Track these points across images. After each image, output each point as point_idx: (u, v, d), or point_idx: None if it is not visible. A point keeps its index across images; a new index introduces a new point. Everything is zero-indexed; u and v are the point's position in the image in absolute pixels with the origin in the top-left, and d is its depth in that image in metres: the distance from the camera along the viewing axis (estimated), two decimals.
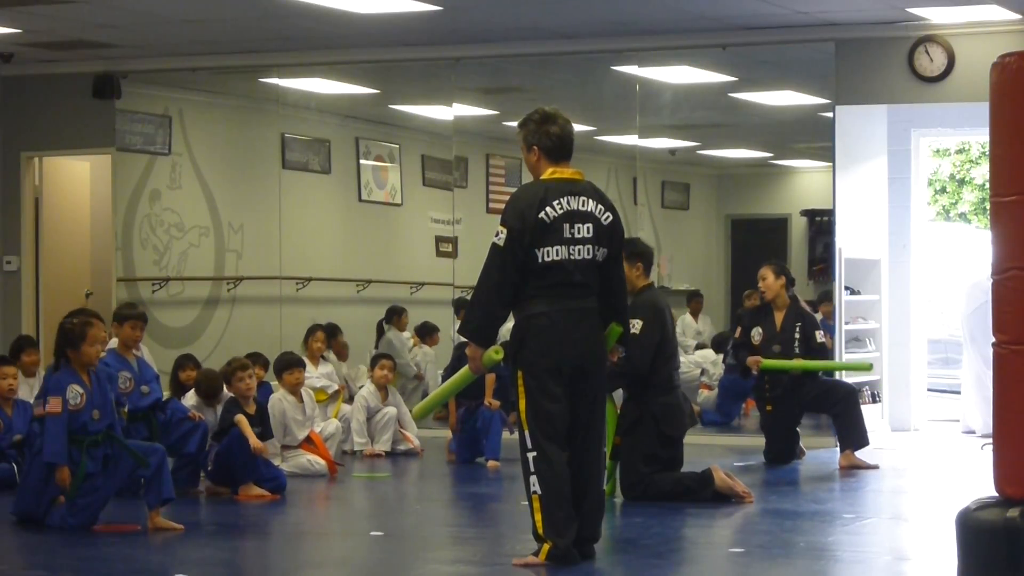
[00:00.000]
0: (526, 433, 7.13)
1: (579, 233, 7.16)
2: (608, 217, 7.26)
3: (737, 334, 11.54)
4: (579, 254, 7.15)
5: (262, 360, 11.41)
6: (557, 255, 7.11)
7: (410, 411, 12.46)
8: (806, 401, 11.28)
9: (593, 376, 7.24)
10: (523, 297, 7.16)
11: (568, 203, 7.17)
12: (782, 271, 11.47)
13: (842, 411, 11.12)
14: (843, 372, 12.20)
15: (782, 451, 11.33)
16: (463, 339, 7.73)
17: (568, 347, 7.13)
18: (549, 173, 7.26)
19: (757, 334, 11.33)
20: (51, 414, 8.27)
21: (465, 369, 7.64)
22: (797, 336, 11.24)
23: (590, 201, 7.23)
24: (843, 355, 12.84)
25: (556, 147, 7.27)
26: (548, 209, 7.12)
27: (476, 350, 7.26)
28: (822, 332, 11.36)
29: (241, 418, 9.76)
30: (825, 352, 11.41)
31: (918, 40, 12.46)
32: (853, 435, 11.07)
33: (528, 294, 7.15)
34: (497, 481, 10.76)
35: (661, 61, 13.67)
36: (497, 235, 7.14)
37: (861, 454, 11.06)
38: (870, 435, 11.31)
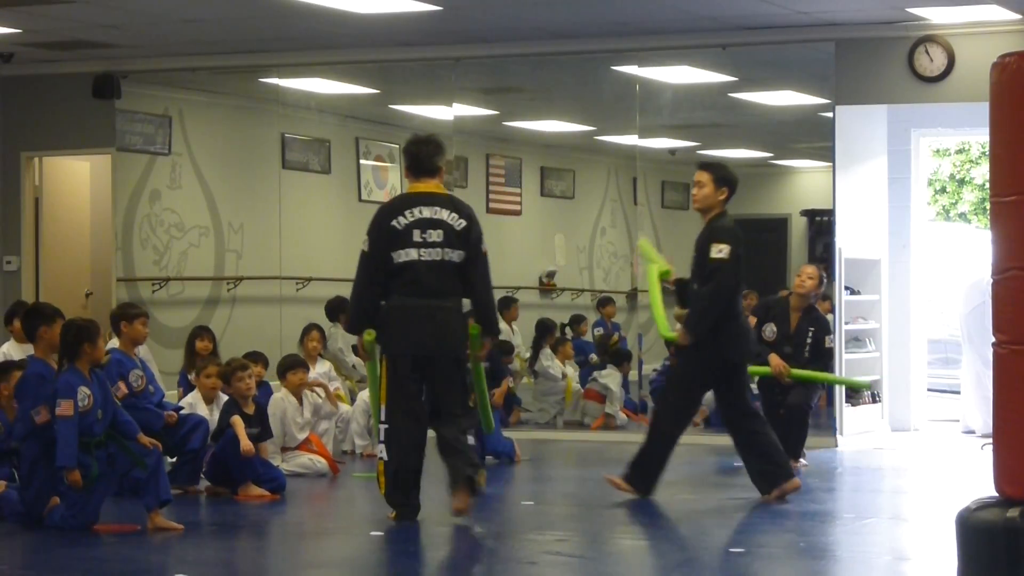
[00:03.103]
0: (383, 407, 8.39)
1: (430, 238, 8.31)
2: (462, 223, 8.38)
3: (751, 324, 11.40)
4: (429, 256, 8.30)
5: (262, 359, 11.40)
6: (408, 256, 8.30)
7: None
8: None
9: (441, 365, 8.40)
10: (389, 292, 8.37)
11: (420, 212, 8.34)
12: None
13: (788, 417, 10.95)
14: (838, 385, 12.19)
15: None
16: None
17: (414, 337, 8.33)
18: (411, 187, 8.50)
19: (770, 331, 11.16)
20: (63, 417, 8.19)
21: (367, 365, 8.68)
22: (809, 340, 11.15)
23: (443, 211, 8.37)
24: (843, 356, 12.82)
25: (412, 165, 8.50)
26: (400, 218, 8.32)
27: (359, 339, 8.51)
28: (831, 337, 11.28)
29: (236, 419, 9.73)
30: (831, 357, 11.36)
31: (918, 40, 12.45)
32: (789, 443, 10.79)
33: (392, 289, 8.36)
34: (497, 481, 10.74)
35: (661, 61, 13.66)
36: (364, 242, 8.38)
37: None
38: (870, 435, 11.27)
